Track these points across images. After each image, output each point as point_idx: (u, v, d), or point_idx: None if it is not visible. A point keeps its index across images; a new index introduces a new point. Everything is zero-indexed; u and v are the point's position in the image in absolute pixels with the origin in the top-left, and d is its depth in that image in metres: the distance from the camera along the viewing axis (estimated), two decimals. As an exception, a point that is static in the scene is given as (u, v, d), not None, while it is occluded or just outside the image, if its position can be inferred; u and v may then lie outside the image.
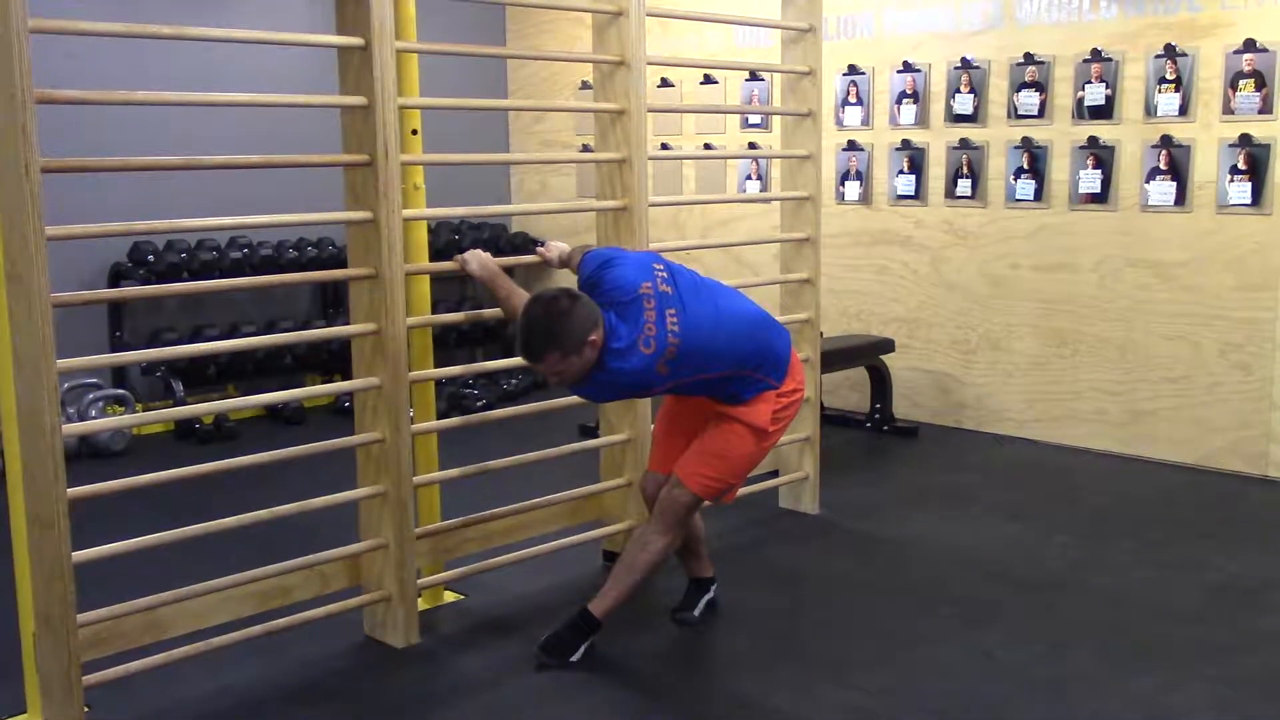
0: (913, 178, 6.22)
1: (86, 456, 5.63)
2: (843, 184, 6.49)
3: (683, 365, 3.29)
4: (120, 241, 6.17)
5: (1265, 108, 5.07)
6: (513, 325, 3.41)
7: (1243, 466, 5.32)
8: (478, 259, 3.63)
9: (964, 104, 5.99)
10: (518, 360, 3.49)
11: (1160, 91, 5.36)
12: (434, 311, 3.96)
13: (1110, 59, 5.50)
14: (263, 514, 3.29)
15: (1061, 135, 5.69)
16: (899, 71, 6.22)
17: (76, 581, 2.85)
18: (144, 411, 6.00)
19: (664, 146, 7.00)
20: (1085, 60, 5.57)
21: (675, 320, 3.26)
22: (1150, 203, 5.45)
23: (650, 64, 4.07)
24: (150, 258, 6.23)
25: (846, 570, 4.25)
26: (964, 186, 6.04)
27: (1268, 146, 5.08)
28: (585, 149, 6.83)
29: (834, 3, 5.88)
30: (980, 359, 6.13)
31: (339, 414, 6.30)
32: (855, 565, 4.30)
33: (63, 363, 2.81)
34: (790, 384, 3.52)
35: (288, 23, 6.54)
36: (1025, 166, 5.82)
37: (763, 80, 6.67)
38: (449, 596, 3.98)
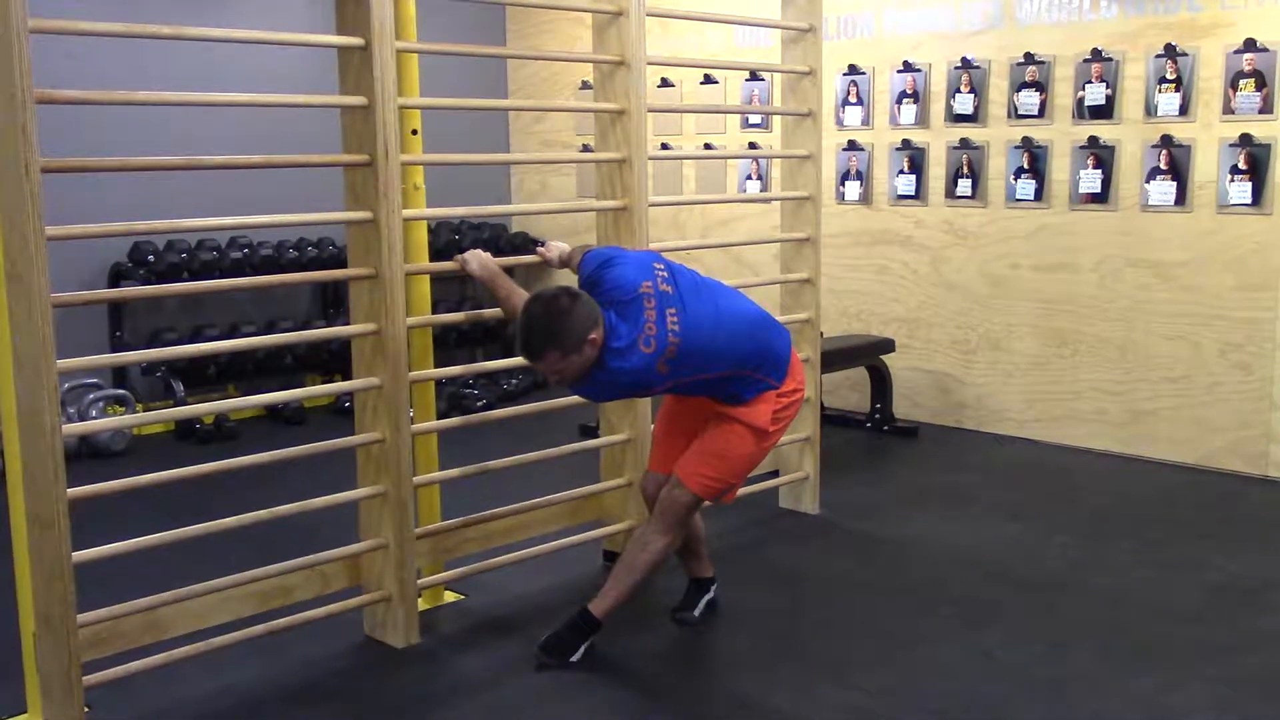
0: (913, 178, 6.22)
1: (86, 456, 5.63)
2: (843, 184, 6.49)
3: (683, 365, 3.29)
4: (120, 241, 6.17)
5: (1266, 107, 5.07)
6: (513, 325, 3.40)
7: (1243, 466, 5.32)
8: (478, 259, 3.63)
9: (964, 104, 5.99)
10: (518, 360, 3.49)
11: (1160, 91, 5.36)
12: (434, 311, 3.96)
13: (1110, 59, 5.50)
14: (263, 514, 3.29)
15: (1062, 135, 5.69)
16: (899, 71, 6.22)
17: (76, 581, 2.85)
18: (144, 411, 6.00)
19: (664, 146, 7.00)
20: (1085, 60, 5.57)
21: (675, 320, 3.25)
22: (1150, 203, 5.45)
23: (650, 64, 4.07)
24: (150, 258, 6.23)
25: (846, 570, 4.25)
26: (964, 186, 6.04)
27: (1268, 146, 5.08)
28: (585, 149, 6.83)
29: (834, 3, 5.88)
30: (980, 359, 6.13)
31: (339, 414, 6.30)
32: (855, 565, 4.30)
33: (63, 363, 2.81)
34: (790, 384, 3.52)
35: (288, 23, 6.54)
36: (1025, 166, 5.82)
37: (763, 80, 6.67)
38: (449, 596, 3.98)
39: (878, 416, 6.22)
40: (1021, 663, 3.45)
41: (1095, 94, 5.55)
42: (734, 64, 6.47)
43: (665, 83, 7.14)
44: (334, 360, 6.78)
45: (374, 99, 3.31)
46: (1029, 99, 5.77)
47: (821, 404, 5.13)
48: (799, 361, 3.63)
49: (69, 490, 2.81)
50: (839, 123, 6.45)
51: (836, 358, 5.74)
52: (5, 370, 2.82)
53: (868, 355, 6.10)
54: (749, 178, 6.91)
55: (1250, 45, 5.08)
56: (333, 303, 7.06)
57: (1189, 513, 4.87)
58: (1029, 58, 5.75)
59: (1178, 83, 5.31)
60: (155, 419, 5.43)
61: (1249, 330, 5.23)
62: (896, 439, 6.11)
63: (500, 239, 7.69)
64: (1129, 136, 5.48)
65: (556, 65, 7.84)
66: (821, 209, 4.78)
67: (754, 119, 6.84)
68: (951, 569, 4.23)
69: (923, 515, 4.86)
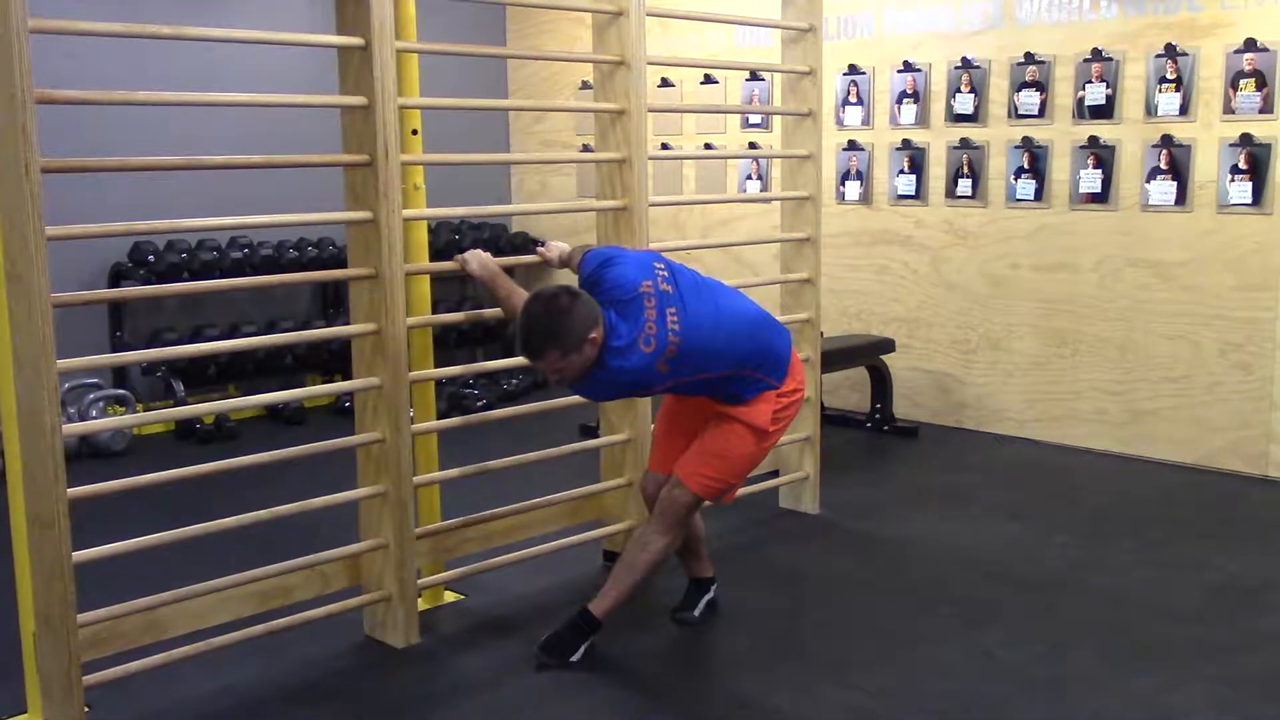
0: (913, 177, 6.22)
1: (87, 456, 5.64)
2: (843, 184, 6.49)
3: (683, 364, 3.29)
4: (120, 241, 6.17)
5: (1266, 107, 5.07)
6: (513, 325, 3.40)
7: (1243, 466, 5.32)
8: (478, 259, 3.63)
9: (964, 104, 5.99)
10: (518, 360, 3.49)
11: (1161, 91, 5.36)
12: (434, 311, 3.96)
13: (1111, 59, 5.50)
14: (263, 514, 3.29)
15: (1062, 135, 5.69)
16: (899, 71, 6.22)
17: (76, 581, 2.85)
18: (144, 411, 6.00)
19: (664, 146, 7.00)
20: (1086, 60, 5.57)
21: (675, 319, 3.25)
22: (1151, 202, 5.45)
23: (650, 64, 4.07)
24: (150, 258, 6.23)
25: (846, 570, 4.25)
26: (964, 186, 6.04)
27: (1268, 146, 5.08)
28: (585, 149, 6.83)
29: (834, 3, 5.88)
30: (980, 359, 6.13)
31: (339, 414, 6.30)
32: (855, 565, 4.30)
33: (63, 363, 2.81)
34: (790, 384, 3.52)
35: (288, 23, 6.54)
36: (1026, 166, 5.82)
37: (763, 80, 6.67)
38: (449, 596, 3.98)
39: (878, 416, 6.22)
40: (1021, 663, 3.45)
41: (1095, 94, 5.55)
42: (734, 64, 6.47)
43: (665, 83, 7.14)
44: (334, 360, 6.78)
45: (374, 99, 3.31)
46: (1029, 99, 5.77)
47: (821, 404, 5.13)
48: (799, 361, 3.63)
49: (69, 490, 2.81)
50: (839, 123, 6.45)
51: (836, 358, 5.74)
52: (5, 370, 2.82)
53: (868, 355, 6.10)
54: (749, 178, 6.91)
55: (1250, 45, 5.08)
56: (333, 303, 7.06)
57: (1189, 513, 4.87)
58: (1029, 57, 5.75)
59: (1178, 82, 5.30)
60: (155, 419, 5.44)
61: (1249, 330, 5.23)
62: (896, 439, 6.11)
63: (500, 239, 7.69)
64: (1129, 136, 5.48)
65: (556, 65, 7.84)
66: (821, 209, 4.77)
67: (754, 119, 6.84)
68: (951, 569, 4.23)
69: (923, 515, 4.86)
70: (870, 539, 4.60)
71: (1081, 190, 5.65)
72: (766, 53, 6.36)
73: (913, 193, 6.23)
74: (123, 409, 5.96)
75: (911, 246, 6.29)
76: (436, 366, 3.84)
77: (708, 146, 7.02)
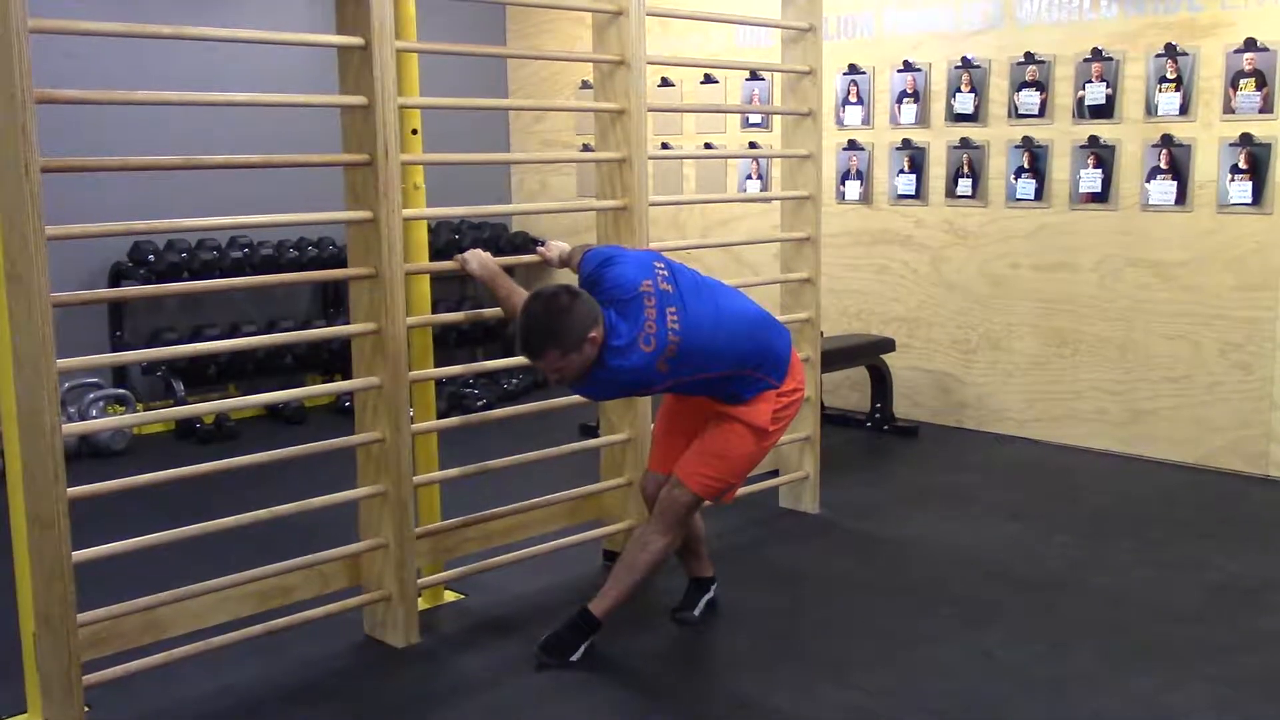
0: (913, 177, 6.22)
1: (86, 456, 5.64)
2: (843, 183, 6.49)
3: (683, 364, 3.29)
4: (120, 241, 6.17)
5: (1266, 107, 5.07)
6: (513, 324, 3.40)
7: (1243, 466, 5.32)
8: (478, 258, 3.63)
9: (964, 103, 5.99)
10: (518, 360, 3.50)
11: (1161, 91, 5.36)
12: (434, 311, 3.96)
13: (1111, 58, 5.50)
14: (263, 514, 3.29)
15: (1062, 135, 5.69)
16: (899, 71, 6.22)
17: (76, 581, 2.85)
18: (144, 411, 6.00)
19: (664, 146, 7.00)
20: (1086, 60, 5.57)
21: (675, 318, 3.25)
22: (1151, 202, 5.45)
23: (650, 63, 4.07)
24: (150, 257, 6.23)
25: (846, 570, 4.25)
26: (964, 186, 6.03)
27: (1268, 146, 5.08)
28: (585, 149, 6.83)
29: (834, 2, 5.88)
30: (980, 359, 6.13)
31: (339, 414, 6.30)
32: (855, 565, 4.30)
33: (63, 362, 2.81)
34: (790, 384, 3.52)
35: (288, 23, 6.54)
36: (1026, 166, 5.82)
37: (763, 80, 6.67)
38: (449, 596, 3.98)
39: (878, 416, 6.22)
40: (1021, 663, 3.45)
41: (1095, 93, 5.55)
42: (734, 64, 6.47)
43: (665, 82, 7.14)
44: (334, 360, 6.78)
45: (374, 99, 3.31)
46: (1029, 98, 5.77)
47: (821, 404, 5.13)
48: (799, 361, 3.63)
49: (69, 490, 2.81)
50: (839, 122, 6.45)
51: (836, 357, 5.74)
52: (5, 370, 2.82)
53: (868, 355, 6.10)
54: (749, 177, 6.91)
55: (1250, 45, 5.08)
56: (333, 302, 7.06)
57: (1189, 513, 4.87)
58: (1029, 57, 5.75)
59: (1178, 82, 5.30)
60: (155, 419, 5.44)
61: (1249, 330, 5.23)
62: (896, 439, 6.11)
63: (500, 239, 7.69)
64: (1129, 136, 5.48)
65: (556, 65, 7.84)
66: (821, 208, 4.77)
67: (754, 119, 6.84)
68: (951, 569, 4.23)
69: (923, 515, 4.86)
70: (870, 539, 4.60)
71: (1081, 190, 5.65)
72: (766, 52, 6.36)
73: (913, 192, 6.23)
74: (123, 409, 5.96)
75: (911, 246, 6.29)
76: (436, 366, 3.84)
77: (708, 146, 7.01)
